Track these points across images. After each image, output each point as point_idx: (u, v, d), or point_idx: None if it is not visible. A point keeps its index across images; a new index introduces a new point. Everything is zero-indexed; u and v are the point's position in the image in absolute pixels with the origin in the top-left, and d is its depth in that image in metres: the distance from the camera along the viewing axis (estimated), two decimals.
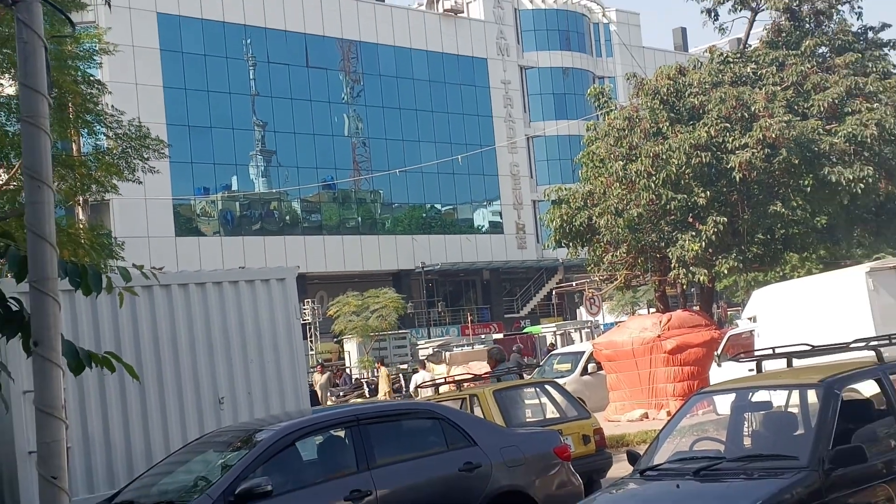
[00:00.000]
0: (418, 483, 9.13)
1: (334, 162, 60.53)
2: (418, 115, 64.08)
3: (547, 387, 15.60)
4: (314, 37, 59.75)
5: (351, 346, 47.29)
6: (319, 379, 32.33)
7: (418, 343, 46.20)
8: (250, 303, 12.84)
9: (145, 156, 18.95)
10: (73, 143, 18.40)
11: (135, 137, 18.60)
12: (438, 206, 65.76)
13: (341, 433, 9.38)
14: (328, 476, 8.95)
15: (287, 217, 59.55)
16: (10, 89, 16.69)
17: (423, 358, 38.04)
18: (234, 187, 57.18)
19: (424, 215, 64.83)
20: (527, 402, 14.94)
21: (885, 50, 30.99)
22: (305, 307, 43.15)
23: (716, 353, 20.91)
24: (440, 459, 9.42)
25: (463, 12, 67.99)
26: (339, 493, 8.72)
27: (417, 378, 26.66)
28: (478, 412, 12.86)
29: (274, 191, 58.46)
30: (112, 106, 18.95)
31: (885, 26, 31.44)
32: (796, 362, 9.04)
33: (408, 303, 53.93)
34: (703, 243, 27.21)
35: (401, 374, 37.92)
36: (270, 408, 12.56)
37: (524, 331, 54.09)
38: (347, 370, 43.79)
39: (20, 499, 10.44)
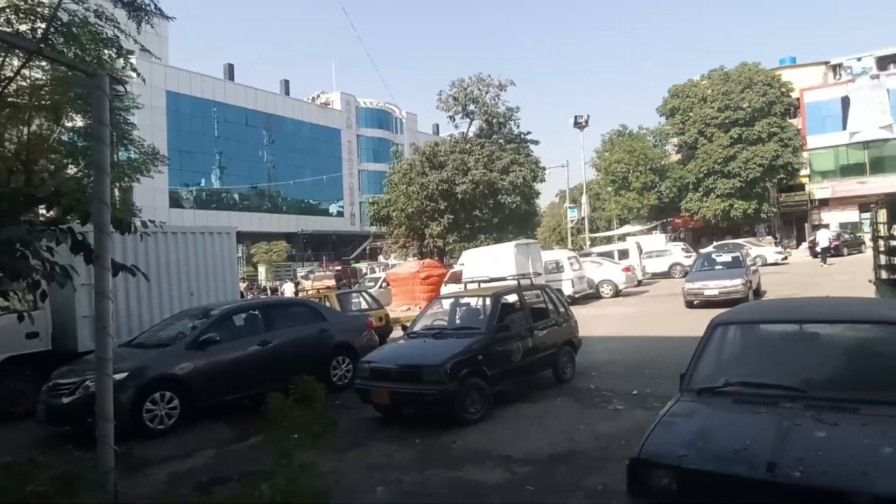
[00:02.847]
0: (296, 338, 8.94)
1: (258, 175, 57.16)
2: (304, 155, 61.31)
3: (363, 293, 15.62)
4: (251, 110, 56.02)
5: (262, 270, 45.36)
6: (244, 285, 30.83)
7: (298, 270, 44.75)
8: (210, 245, 12.05)
9: (155, 164, 17.46)
10: (116, 155, 16.57)
11: (149, 154, 17.10)
12: (312, 202, 63.35)
13: (256, 312, 9.06)
14: (249, 333, 8.60)
15: (231, 202, 55.76)
16: (80, 122, 14.86)
17: (300, 277, 37.01)
18: (203, 184, 53.11)
19: (304, 205, 62.40)
20: (353, 300, 14.90)
21: (528, 143, 32.44)
22: (239, 249, 40.84)
23: (444, 280, 21.55)
24: (308, 327, 9.25)
25: (330, 105, 65.75)
26: (254, 342, 8.47)
27: (284, 288, 26.27)
28: (328, 304, 12.73)
29: (225, 188, 54.79)
30: (138, 136, 17.24)
31: (529, 132, 32.95)
32: (482, 285, 9.51)
33: (293, 249, 52.13)
34: (442, 228, 27.90)
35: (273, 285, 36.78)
36: (218, 299, 11.83)
37: (352, 266, 53.49)
38: (259, 282, 41.93)
39: (77, 343, 9.53)
